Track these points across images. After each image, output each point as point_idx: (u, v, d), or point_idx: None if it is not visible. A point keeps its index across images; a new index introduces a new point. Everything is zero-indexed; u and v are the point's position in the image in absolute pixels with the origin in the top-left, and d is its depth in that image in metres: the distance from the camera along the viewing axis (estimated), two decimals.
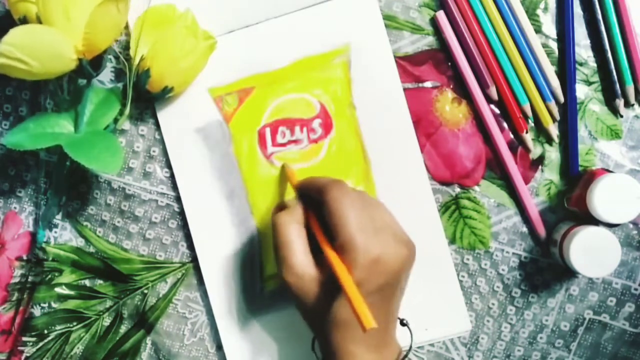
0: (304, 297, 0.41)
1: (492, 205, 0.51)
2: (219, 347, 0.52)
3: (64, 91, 0.51)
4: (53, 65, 0.45)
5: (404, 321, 0.46)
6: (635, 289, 0.50)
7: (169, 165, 0.52)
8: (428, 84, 0.51)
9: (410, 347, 0.44)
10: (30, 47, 0.43)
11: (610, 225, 0.47)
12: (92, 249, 0.53)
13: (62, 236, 0.53)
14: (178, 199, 0.52)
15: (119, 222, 0.53)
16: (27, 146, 0.46)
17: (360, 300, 0.36)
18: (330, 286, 0.39)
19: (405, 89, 0.51)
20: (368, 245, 0.39)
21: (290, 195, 0.50)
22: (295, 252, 0.41)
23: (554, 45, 0.50)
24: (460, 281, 0.51)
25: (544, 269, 0.51)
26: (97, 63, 0.48)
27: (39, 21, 0.45)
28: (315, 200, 0.42)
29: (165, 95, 0.49)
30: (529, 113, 0.50)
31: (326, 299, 0.40)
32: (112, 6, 0.44)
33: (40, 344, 0.53)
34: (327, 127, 0.51)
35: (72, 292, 0.53)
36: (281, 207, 0.45)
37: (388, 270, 0.39)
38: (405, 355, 0.42)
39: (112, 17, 0.45)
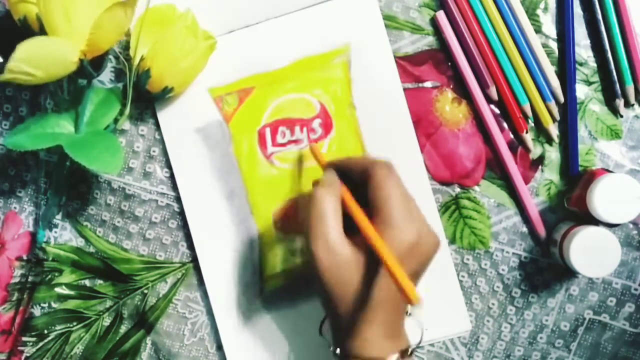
0: (330, 274, 0.40)
1: (492, 205, 0.51)
2: (219, 347, 0.52)
3: (64, 91, 0.51)
4: (56, 70, 0.45)
5: (409, 313, 0.46)
6: (635, 289, 0.50)
7: (169, 165, 0.52)
8: (428, 84, 0.51)
9: (420, 341, 0.44)
10: (36, 59, 0.43)
11: (610, 225, 0.47)
12: (92, 249, 0.53)
13: (62, 236, 0.53)
14: (178, 199, 0.52)
15: (119, 222, 0.53)
16: (28, 146, 0.46)
17: (404, 274, 0.35)
18: (361, 267, 0.39)
19: (405, 89, 0.51)
20: (408, 228, 0.39)
21: (290, 194, 0.50)
22: (332, 226, 0.40)
23: (554, 45, 0.50)
24: (460, 281, 0.51)
25: (544, 269, 0.51)
26: (98, 63, 0.48)
27: (39, 22, 0.45)
28: (349, 180, 0.42)
29: (165, 96, 0.49)
30: (529, 113, 0.50)
31: (354, 279, 0.39)
32: (120, 11, 0.44)
33: (40, 344, 0.53)
34: (327, 127, 0.51)
35: (72, 292, 0.53)
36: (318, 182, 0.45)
37: (422, 256, 0.39)
38: (415, 349, 0.42)
39: (119, 21, 0.45)
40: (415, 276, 0.40)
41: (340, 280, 0.39)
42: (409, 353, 0.41)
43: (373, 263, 0.39)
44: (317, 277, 0.40)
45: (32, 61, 0.42)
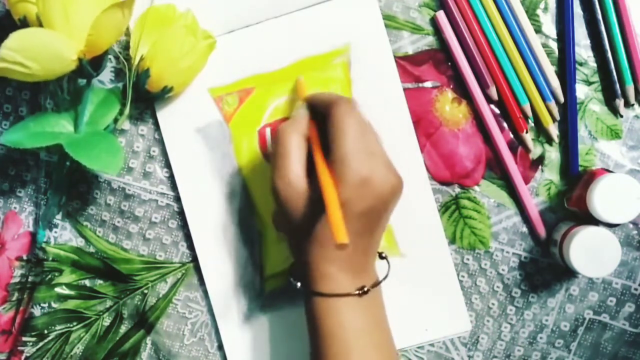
0: (289, 207, 0.41)
1: (492, 205, 0.51)
2: (219, 347, 0.52)
3: (63, 91, 0.51)
4: (53, 67, 0.45)
5: (383, 254, 0.47)
6: (635, 289, 0.50)
7: (168, 165, 0.52)
8: (428, 84, 0.51)
9: (386, 276, 0.44)
10: (31, 51, 0.43)
11: (610, 225, 0.47)
12: (92, 249, 0.53)
13: (62, 236, 0.53)
14: (178, 199, 0.52)
15: (119, 222, 0.53)
16: (27, 145, 0.46)
17: (339, 214, 0.36)
18: (317, 204, 0.39)
19: (405, 89, 0.51)
20: (360, 164, 0.39)
21: None
22: (292, 160, 0.41)
23: (554, 45, 0.50)
24: (460, 281, 0.51)
25: (544, 269, 0.51)
26: (97, 63, 0.48)
27: (39, 21, 0.45)
28: (320, 116, 0.43)
29: (164, 95, 0.49)
30: (529, 113, 0.50)
31: (310, 215, 0.40)
32: (118, 11, 0.44)
33: (40, 344, 0.53)
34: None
35: (72, 292, 0.53)
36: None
37: (375, 193, 0.40)
38: (379, 282, 0.43)
39: (117, 21, 0.45)
40: (368, 215, 0.40)
41: (296, 213, 0.41)
42: (365, 290, 0.42)
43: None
44: (279, 209, 0.42)
45: (26, 52, 0.42)
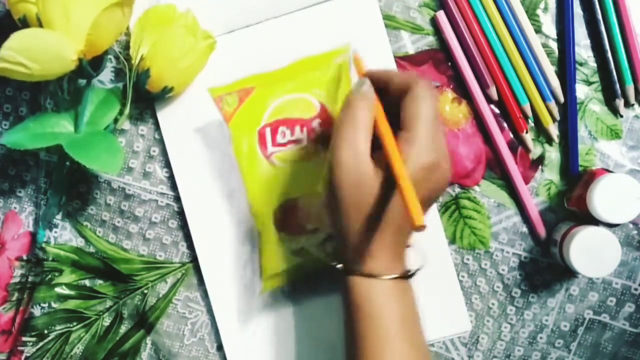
0: (349, 180, 0.38)
1: (492, 205, 0.51)
2: (219, 347, 0.52)
3: (64, 91, 0.51)
4: (53, 67, 0.45)
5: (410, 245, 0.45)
6: (635, 289, 0.50)
7: (168, 165, 0.52)
8: None
9: (420, 268, 0.43)
10: (31, 51, 0.43)
11: (610, 225, 0.47)
12: (92, 249, 0.53)
13: (62, 236, 0.53)
14: (178, 199, 0.52)
15: (119, 222, 0.53)
16: (27, 145, 0.46)
17: (415, 197, 0.35)
18: (379, 184, 0.38)
19: None
20: (431, 150, 0.38)
21: (290, 195, 0.50)
22: (363, 133, 0.39)
23: (554, 45, 0.50)
24: (460, 281, 0.51)
25: (544, 269, 0.51)
26: (97, 63, 0.48)
27: (39, 21, 0.45)
28: (391, 89, 0.41)
29: (165, 95, 0.49)
30: (529, 113, 0.50)
31: (370, 195, 0.38)
32: (118, 10, 0.44)
33: (40, 344, 0.53)
34: (327, 127, 0.50)
35: (72, 292, 0.53)
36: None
37: (435, 183, 0.39)
38: (412, 275, 0.42)
39: (117, 21, 0.45)
40: (425, 203, 0.39)
41: (357, 193, 0.39)
42: (411, 273, 0.41)
43: (390, 182, 0.38)
44: (334, 186, 0.39)
45: (27, 52, 0.42)
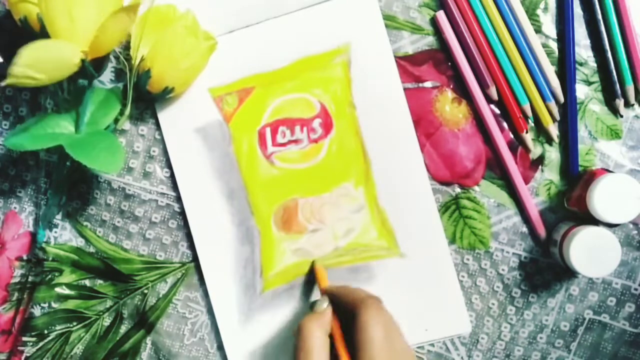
0: None
1: (492, 205, 0.51)
2: (219, 347, 0.52)
3: (64, 91, 0.51)
4: (58, 73, 0.45)
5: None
6: (635, 289, 0.50)
7: (169, 165, 0.52)
8: (428, 84, 0.51)
9: None
10: (40, 64, 0.43)
11: (610, 225, 0.47)
12: (92, 249, 0.53)
13: (62, 236, 0.53)
14: (178, 199, 0.52)
15: (119, 222, 0.53)
16: (28, 147, 0.46)
17: None
18: None
19: (405, 89, 0.51)
20: None
21: (290, 195, 0.50)
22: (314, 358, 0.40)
23: (554, 45, 0.50)
24: (460, 281, 0.51)
25: (544, 269, 0.51)
26: (99, 64, 0.48)
27: (40, 21, 0.45)
28: (342, 308, 0.42)
29: (165, 96, 0.49)
30: (529, 113, 0.50)
31: None
32: (125, 16, 0.44)
33: (40, 344, 0.53)
34: (327, 126, 0.51)
35: (72, 292, 0.53)
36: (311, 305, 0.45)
37: None
38: None
39: (124, 25, 0.45)
40: None
41: None
42: None
43: None
44: None
45: (36, 65, 0.42)
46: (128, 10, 0.43)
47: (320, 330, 0.41)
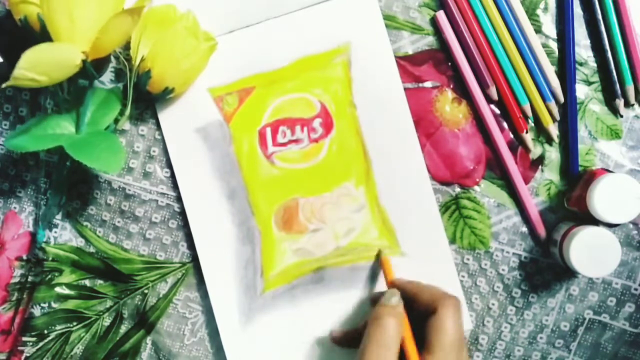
0: None
1: (492, 205, 0.51)
2: (219, 347, 0.52)
3: (64, 92, 0.51)
4: (59, 74, 0.45)
5: None
6: (635, 289, 0.50)
7: (169, 165, 0.52)
8: (428, 84, 0.51)
9: None
10: (42, 67, 0.43)
11: (610, 225, 0.47)
12: (92, 249, 0.53)
13: (62, 236, 0.53)
14: (178, 199, 0.52)
15: (119, 222, 0.53)
16: (29, 148, 0.46)
17: None
18: None
19: (405, 89, 0.51)
20: None
21: (291, 195, 0.50)
22: (391, 351, 0.39)
23: (554, 45, 0.50)
24: (460, 281, 0.51)
25: (544, 269, 0.51)
26: (100, 65, 0.48)
27: (40, 22, 0.45)
28: (410, 303, 0.42)
29: (165, 96, 0.49)
30: (529, 113, 0.50)
31: None
32: (127, 17, 0.44)
33: (40, 344, 0.53)
34: (328, 126, 0.51)
35: (72, 292, 0.53)
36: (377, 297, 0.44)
37: None
38: None
39: (126, 27, 0.45)
40: None
41: None
42: None
43: None
44: None
45: (38, 68, 0.42)
46: (132, 12, 0.43)
47: (398, 323, 0.41)
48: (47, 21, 0.44)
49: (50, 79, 0.44)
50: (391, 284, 0.46)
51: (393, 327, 0.40)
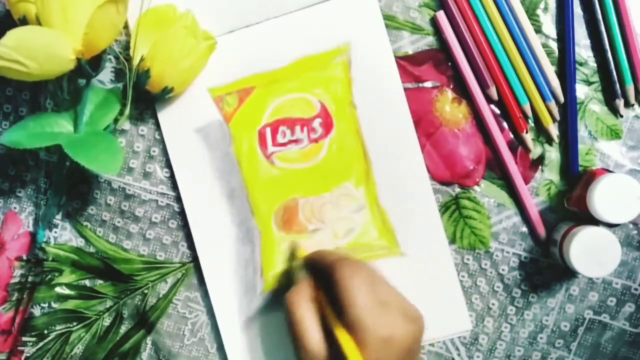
0: None
1: (492, 205, 0.51)
2: (219, 347, 0.52)
3: (63, 91, 0.51)
4: (51, 66, 0.45)
5: None
6: (635, 289, 0.50)
7: (169, 165, 0.52)
8: (428, 84, 0.51)
9: None
10: (28, 49, 0.43)
11: (610, 225, 0.47)
12: (92, 249, 0.53)
13: (62, 236, 0.53)
14: (178, 199, 0.52)
15: (119, 222, 0.53)
16: (26, 145, 0.46)
17: None
18: None
19: (405, 89, 0.51)
20: (377, 324, 0.38)
21: (291, 195, 0.50)
22: (308, 330, 0.40)
23: (554, 45, 0.50)
24: (460, 281, 0.51)
25: (544, 269, 0.51)
26: (96, 63, 0.48)
27: (39, 21, 0.45)
28: (324, 275, 0.42)
29: (165, 96, 0.49)
30: (529, 113, 0.50)
31: None
32: (112, 7, 0.44)
33: (40, 344, 0.53)
34: (328, 126, 0.51)
35: (72, 292, 0.53)
36: (288, 278, 0.44)
37: (401, 348, 0.39)
38: None
39: (112, 18, 0.45)
40: None
41: None
42: None
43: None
44: None
45: (24, 50, 0.42)
46: (115, 2, 0.43)
47: (303, 299, 0.42)
48: (41, 19, 0.44)
49: (42, 68, 0.44)
50: (302, 262, 0.46)
51: (299, 304, 0.41)
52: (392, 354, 0.39)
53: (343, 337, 0.39)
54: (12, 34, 0.42)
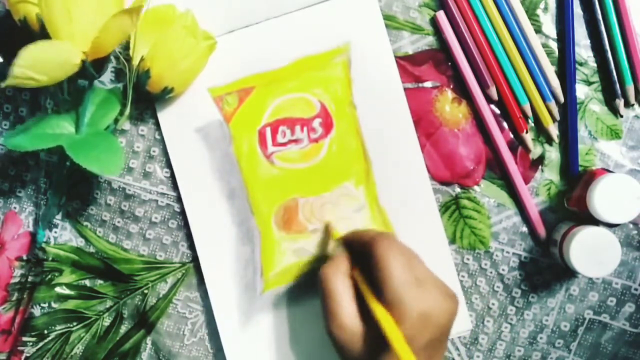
0: (348, 351, 0.40)
1: (492, 205, 0.51)
2: (219, 347, 0.52)
3: (64, 92, 0.51)
4: (59, 74, 0.45)
5: None
6: (635, 289, 0.50)
7: (169, 165, 0.52)
8: (428, 84, 0.51)
9: None
10: (41, 65, 0.42)
11: (610, 225, 0.47)
12: (92, 249, 0.53)
13: (62, 236, 0.53)
14: (178, 199, 0.52)
15: (119, 222, 0.53)
16: (28, 147, 0.46)
17: (411, 357, 0.36)
18: (377, 341, 0.39)
19: (405, 89, 0.51)
20: (416, 299, 0.38)
21: (291, 195, 0.50)
22: (342, 304, 0.40)
23: (554, 45, 0.50)
24: (460, 281, 0.51)
25: (544, 269, 0.51)
26: (100, 65, 0.48)
27: (40, 22, 0.45)
28: (359, 253, 0.42)
29: (165, 96, 0.49)
30: (529, 113, 0.50)
31: (371, 354, 0.39)
32: (126, 17, 0.44)
33: (40, 344, 0.53)
34: (328, 126, 0.51)
35: (72, 292, 0.53)
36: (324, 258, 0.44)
37: (437, 324, 0.39)
38: None
39: (125, 27, 0.45)
40: (431, 345, 0.39)
41: (356, 355, 0.40)
42: None
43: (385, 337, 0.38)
44: (337, 351, 0.41)
45: (36, 67, 0.42)
46: (130, 12, 0.43)
47: (339, 273, 0.41)
48: (45, 21, 0.44)
49: (50, 78, 0.44)
50: (337, 241, 0.46)
51: (332, 279, 0.41)
52: (429, 330, 0.38)
53: (380, 311, 0.38)
54: (25, 54, 0.41)
